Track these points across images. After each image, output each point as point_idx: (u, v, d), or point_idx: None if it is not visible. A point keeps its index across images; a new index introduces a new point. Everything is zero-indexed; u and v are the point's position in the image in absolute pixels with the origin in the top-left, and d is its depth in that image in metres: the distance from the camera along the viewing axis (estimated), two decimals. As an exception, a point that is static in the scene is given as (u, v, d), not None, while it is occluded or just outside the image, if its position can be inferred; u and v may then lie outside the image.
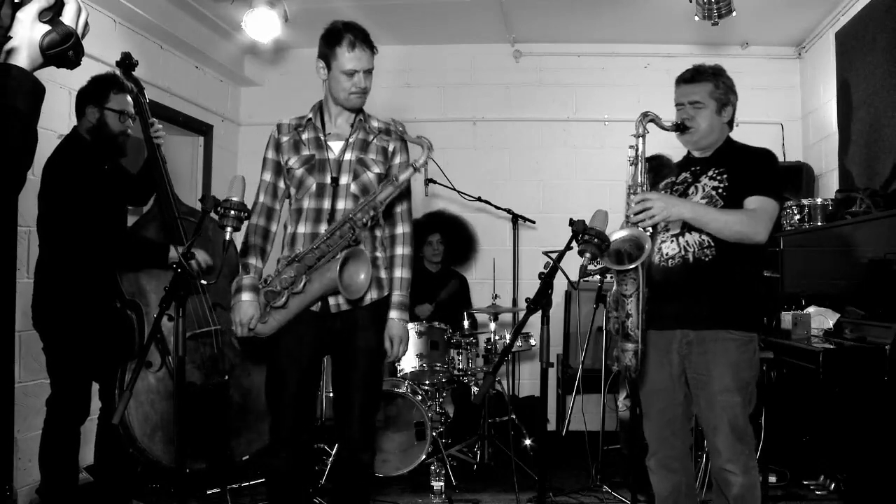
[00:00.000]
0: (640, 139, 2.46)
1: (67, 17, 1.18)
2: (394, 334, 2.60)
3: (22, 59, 1.15)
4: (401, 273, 2.63)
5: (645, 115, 2.47)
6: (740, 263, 2.45)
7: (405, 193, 2.60)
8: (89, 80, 3.09)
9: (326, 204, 2.50)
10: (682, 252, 2.48)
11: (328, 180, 2.50)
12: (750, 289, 2.51)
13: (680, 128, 2.53)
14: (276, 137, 2.60)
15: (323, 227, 2.48)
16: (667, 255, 2.52)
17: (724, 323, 2.42)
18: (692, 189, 2.53)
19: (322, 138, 2.55)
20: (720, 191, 2.46)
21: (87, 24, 1.22)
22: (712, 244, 2.43)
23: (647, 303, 2.36)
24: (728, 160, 2.52)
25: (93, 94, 3.06)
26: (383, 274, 2.60)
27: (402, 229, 2.65)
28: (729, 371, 2.40)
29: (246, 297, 2.48)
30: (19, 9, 1.14)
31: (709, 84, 2.51)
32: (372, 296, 2.55)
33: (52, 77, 3.56)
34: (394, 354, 2.61)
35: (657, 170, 2.67)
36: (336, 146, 2.55)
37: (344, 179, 2.51)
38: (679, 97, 2.56)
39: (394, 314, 2.60)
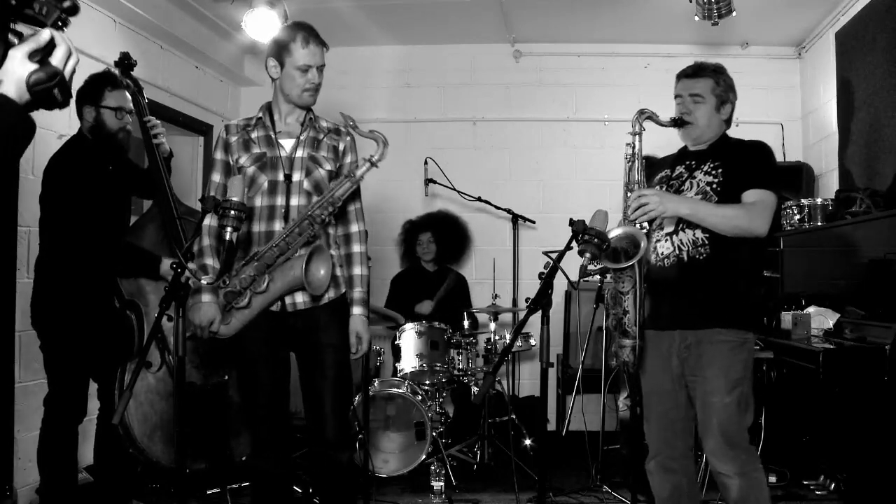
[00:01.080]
0: (637, 137, 2.47)
1: (56, 58, 1.22)
2: (359, 329, 2.62)
3: (9, 93, 1.19)
4: (359, 270, 2.65)
5: (641, 112, 2.47)
6: (736, 261, 2.43)
7: (357, 192, 2.63)
8: (85, 80, 3.09)
9: (280, 201, 2.51)
10: (677, 251, 2.47)
11: (281, 177, 2.52)
12: (745, 287, 2.48)
13: (678, 122, 2.52)
14: (225, 138, 2.60)
15: (278, 225, 2.49)
16: (662, 254, 2.50)
17: (718, 322, 2.40)
18: (687, 184, 2.51)
19: (273, 136, 2.57)
20: (714, 186, 2.44)
21: (74, 69, 1.26)
22: (706, 242, 2.42)
23: (648, 302, 2.35)
24: (723, 154, 2.50)
25: (88, 94, 3.05)
26: (338, 272, 2.62)
27: (356, 227, 2.68)
28: (721, 373, 2.37)
29: (206, 298, 2.46)
30: (12, 47, 1.19)
31: (710, 80, 2.52)
32: (329, 295, 2.56)
33: (51, 77, 3.56)
34: (361, 351, 2.63)
35: (651, 168, 2.66)
36: (287, 144, 2.57)
37: (297, 176, 2.53)
38: (679, 90, 2.55)
39: (357, 310, 2.63)
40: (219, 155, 2.60)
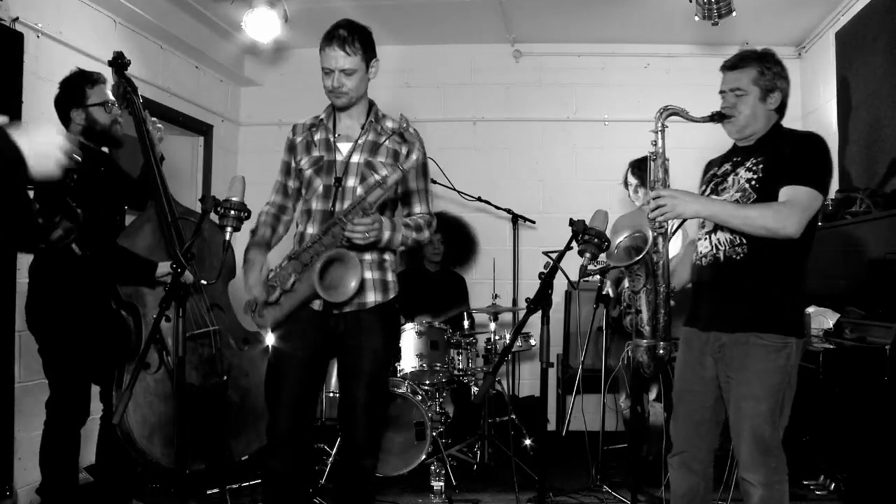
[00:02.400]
0: (660, 134, 2.39)
1: None
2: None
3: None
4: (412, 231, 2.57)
5: (665, 108, 2.39)
6: (775, 262, 2.29)
7: (417, 192, 2.62)
8: (62, 85, 3.02)
9: (333, 206, 2.48)
10: (714, 250, 2.37)
11: (333, 181, 2.48)
12: (786, 289, 2.31)
13: (716, 117, 2.40)
14: (291, 138, 2.61)
15: None
16: (701, 253, 2.42)
17: (755, 326, 2.27)
18: (729, 181, 2.40)
19: (331, 139, 2.54)
20: (753, 183, 2.31)
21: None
22: (744, 241, 2.29)
23: (690, 302, 2.32)
24: (769, 148, 2.35)
25: (71, 98, 2.99)
26: (389, 277, 2.57)
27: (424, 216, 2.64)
28: (755, 378, 2.25)
29: (252, 254, 2.48)
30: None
31: (752, 70, 2.38)
32: (377, 298, 2.51)
33: (50, 76, 3.56)
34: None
35: (707, 166, 2.61)
36: (345, 147, 2.52)
37: (350, 181, 2.48)
38: (722, 85, 2.44)
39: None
40: (284, 155, 2.61)
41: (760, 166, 2.32)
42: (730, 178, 2.40)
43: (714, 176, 2.49)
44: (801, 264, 2.34)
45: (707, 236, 2.42)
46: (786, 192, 2.23)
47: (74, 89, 3.01)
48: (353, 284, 2.34)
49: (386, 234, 2.43)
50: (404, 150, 2.51)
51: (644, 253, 2.22)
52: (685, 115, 2.39)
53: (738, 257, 2.31)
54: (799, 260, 2.33)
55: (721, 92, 2.44)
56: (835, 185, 4.52)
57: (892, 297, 3.18)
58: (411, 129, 2.52)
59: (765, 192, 2.28)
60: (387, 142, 2.54)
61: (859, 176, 4.23)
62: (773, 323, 2.27)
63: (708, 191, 2.47)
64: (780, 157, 2.30)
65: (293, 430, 2.49)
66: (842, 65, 4.51)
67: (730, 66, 2.43)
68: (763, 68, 2.38)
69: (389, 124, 2.58)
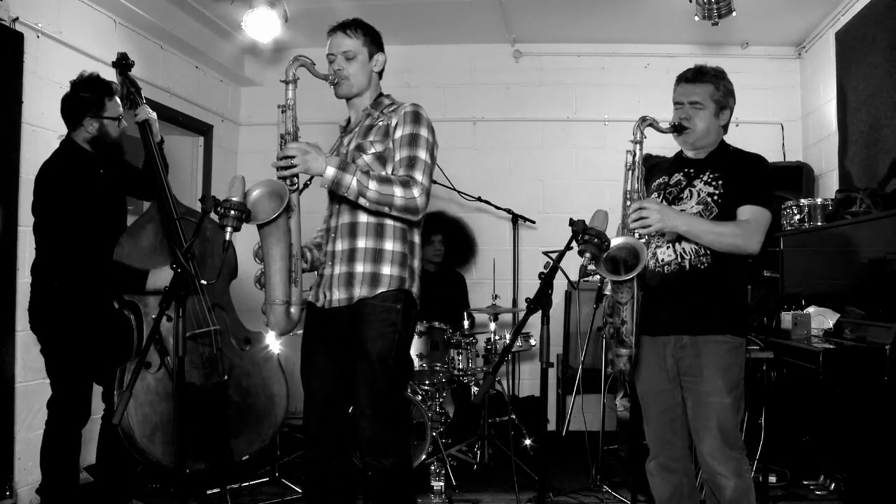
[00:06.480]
0: (638, 145, 2.44)
1: None
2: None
3: None
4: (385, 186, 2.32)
5: (643, 119, 2.45)
6: (734, 270, 2.48)
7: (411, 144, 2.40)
8: (80, 88, 3.00)
9: (334, 198, 2.49)
10: (679, 259, 2.48)
11: None
12: (741, 294, 2.57)
13: (677, 129, 2.51)
14: None
15: (333, 221, 2.49)
16: (662, 261, 2.51)
17: (718, 328, 2.43)
18: (686, 192, 2.51)
19: (342, 136, 2.60)
20: (715, 198, 2.45)
21: None
22: (707, 252, 2.44)
23: (643, 307, 2.34)
24: (723, 165, 2.50)
25: (90, 104, 2.98)
26: (385, 269, 2.43)
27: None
28: (720, 373, 2.40)
29: None
30: None
31: (710, 85, 2.50)
32: (363, 293, 2.41)
33: (50, 76, 3.56)
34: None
35: (650, 170, 2.65)
36: (348, 140, 2.56)
37: None
38: (678, 96, 2.54)
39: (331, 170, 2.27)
40: None
41: (720, 182, 2.47)
42: (687, 190, 2.52)
43: (666, 185, 2.58)
44: (747, 273, 2.59)
45: (670, 245, 2.51)
46: (746, 212, 2.42)
47: (95, 97, 2.99)
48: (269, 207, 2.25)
49: (318, 165, 2.25)
50: (394, 121, 2.44)
51: (639, 268, 2.22)
52: (656, 126, 2.49)
53: (703, 266, 2.46)
54: (747, 270, 2.58)
55: (677, 103, 2.55)
56: (835, 185, 4.53)
57: (892, 297, 3.18)
58: (409, 106, 2.45)
59: (725, 207, 2.44)
60: (379, 120, 2.47)
61: (859, 176, 4.23)
62: (732, 325, 2.47)
63: (661, 199, 2.55)
64: (737, 175, 2.46)
65: (323, 429, 2.48)
66: (842, 65, 4.51)
67: (689, 78, 2.54)
68: (719, 84, 2.51)
69: (387, 101, 2.53)
